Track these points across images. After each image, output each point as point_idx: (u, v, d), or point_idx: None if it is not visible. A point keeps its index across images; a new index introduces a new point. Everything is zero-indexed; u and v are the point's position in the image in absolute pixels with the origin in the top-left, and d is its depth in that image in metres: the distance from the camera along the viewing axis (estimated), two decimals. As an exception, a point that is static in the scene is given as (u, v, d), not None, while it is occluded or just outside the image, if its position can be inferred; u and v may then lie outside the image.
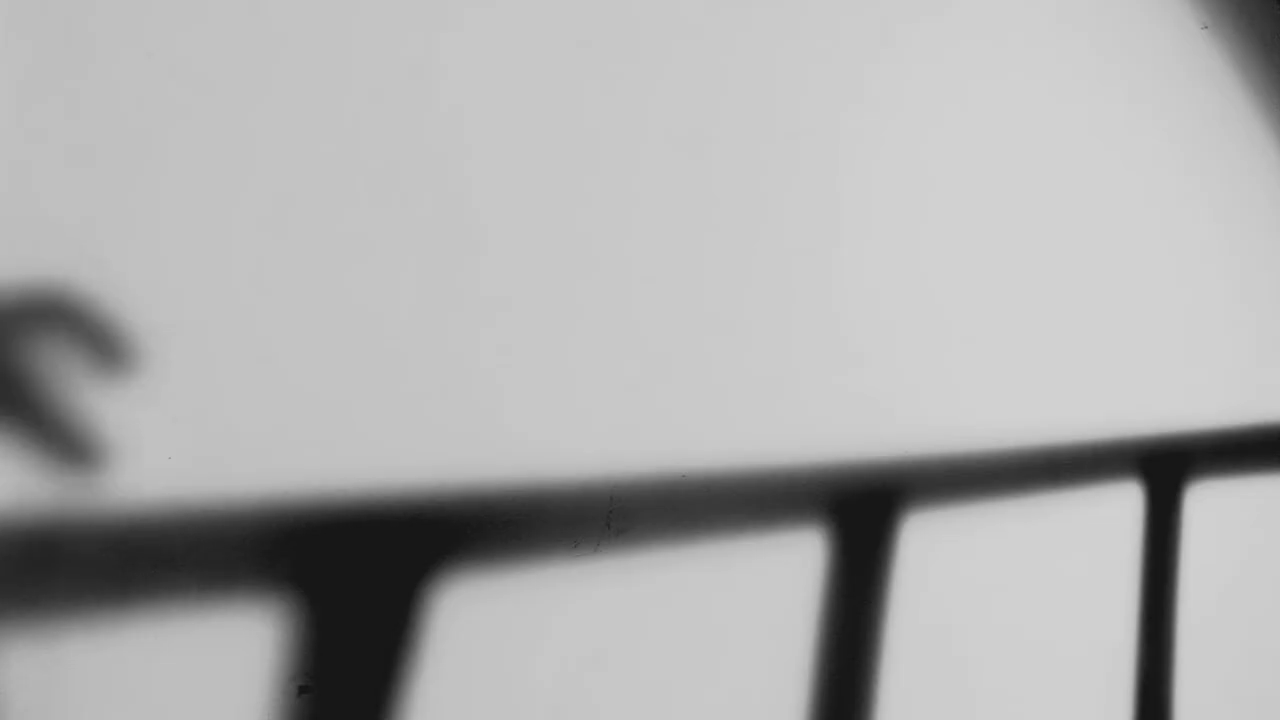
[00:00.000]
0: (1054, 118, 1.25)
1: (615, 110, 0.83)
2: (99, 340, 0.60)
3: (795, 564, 1.00)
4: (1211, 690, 1.34)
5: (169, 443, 0.63)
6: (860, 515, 1.06)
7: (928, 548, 1.09)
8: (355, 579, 0.70)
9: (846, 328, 1.03)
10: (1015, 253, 1.21)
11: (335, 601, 0.70)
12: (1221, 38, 1.44)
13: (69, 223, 0.60)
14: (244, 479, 0.66)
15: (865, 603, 1.07)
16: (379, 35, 0.71)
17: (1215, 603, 1.35)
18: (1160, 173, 1.37)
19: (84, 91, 0.60)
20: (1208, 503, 1.36)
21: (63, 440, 0.58)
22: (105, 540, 0.60)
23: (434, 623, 0.74)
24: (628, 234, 0.84)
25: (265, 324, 0.66)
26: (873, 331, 1.05)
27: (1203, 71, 1.41)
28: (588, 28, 0.82)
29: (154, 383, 0.62)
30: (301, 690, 0.68)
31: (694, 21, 0.89)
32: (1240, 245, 1.44)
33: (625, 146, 0.84)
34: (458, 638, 0.75)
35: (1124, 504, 1.29)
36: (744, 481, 0.94)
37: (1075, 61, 1.27)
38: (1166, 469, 1.33)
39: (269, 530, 0.67)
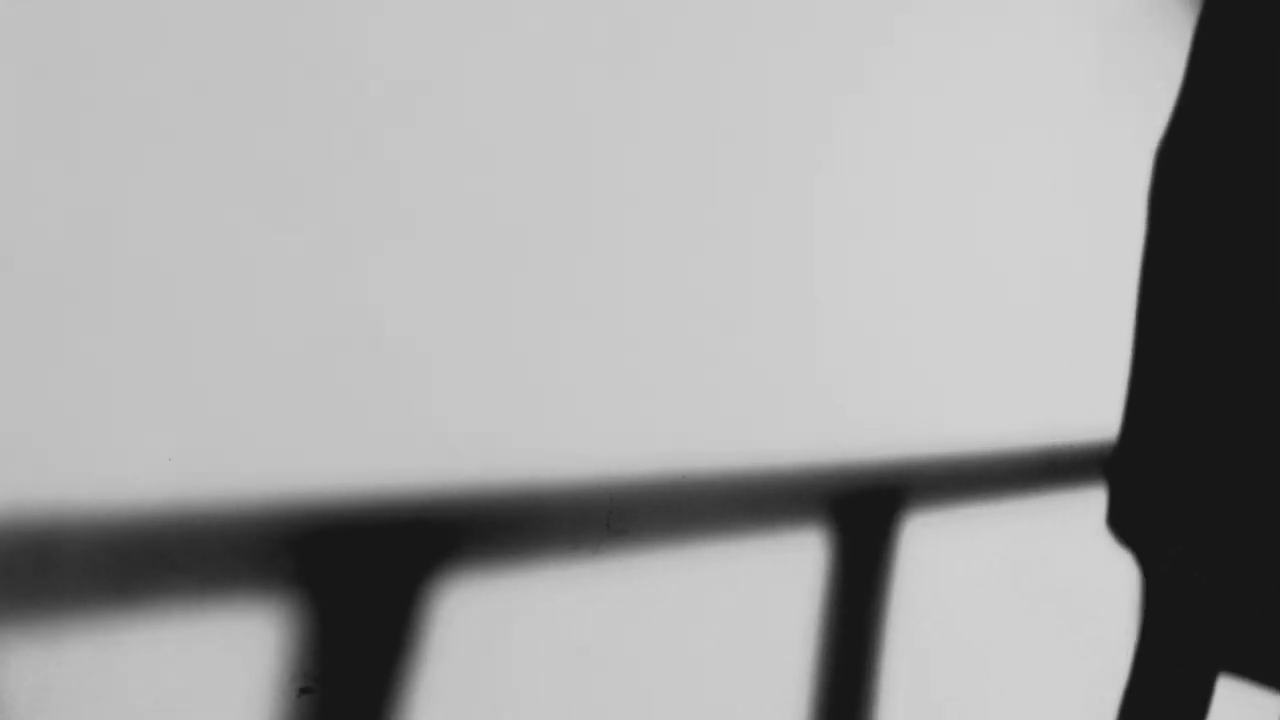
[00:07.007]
0: (1056, 118, 1.25)
1: (613, 104, 0.83)
2: None
3: (795, 565, 1.00)
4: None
5: (169, 443, 0.63)
6: (861, 516, 1.06)
7: (929, 548, 1.09)
8: (356, 580, 0.70)
9: (847, 330, 1.03)
10: (1017, 251, 1.21)
11: (336, 602, 0.69)
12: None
13: (68, 221, 0.60)
14: (244, 479, 0.65)
15: (866, 603, 1.07)
16: (387, 31, 0.71)
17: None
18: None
19: (83, 90, 0.60)
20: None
21: None
22: (105, 540, 0.60)
23: (434, 624, 0.74)
24: (627, 233, 0.84)
25: (267, 323, 0.66)
26: (876, 335, 1.05)
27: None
28: (586, 18, 0.82)
29: (154, 382, 0.62)
30: (302, 691, 0.68)
31: (688, 16, 0.89)
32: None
33: (622, 141, 0.84)
34: (458, 639, 0.75)
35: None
36: (743, 482, 0.94)
37: (1077, 58, 1.28)
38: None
39: (269, 531, 0.66)
